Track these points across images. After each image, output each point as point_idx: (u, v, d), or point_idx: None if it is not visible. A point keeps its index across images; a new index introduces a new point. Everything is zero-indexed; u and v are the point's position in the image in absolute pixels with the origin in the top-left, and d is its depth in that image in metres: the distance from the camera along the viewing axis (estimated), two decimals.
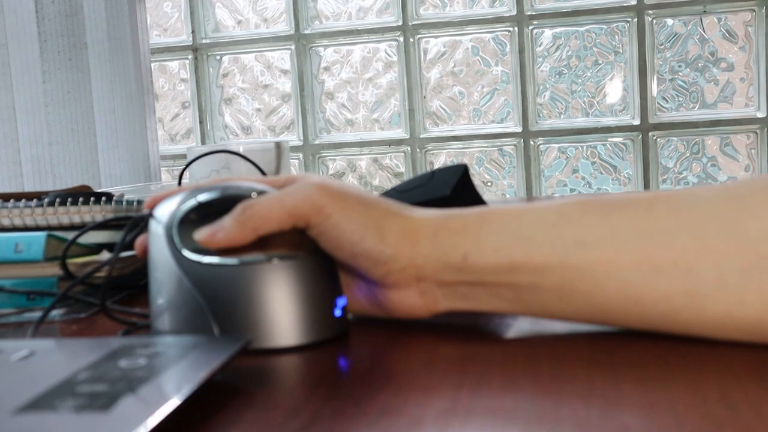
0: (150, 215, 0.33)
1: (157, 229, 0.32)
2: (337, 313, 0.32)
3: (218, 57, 1.32)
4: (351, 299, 0.34)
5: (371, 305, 0.33)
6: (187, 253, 0.31)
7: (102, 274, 0.43)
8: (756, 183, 0.27)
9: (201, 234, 0.31)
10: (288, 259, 0.31)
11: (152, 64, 1.27)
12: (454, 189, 0.37)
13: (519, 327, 0.33)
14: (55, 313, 0.40)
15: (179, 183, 0.51)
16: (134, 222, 0.33)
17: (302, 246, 0.32)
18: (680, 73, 1.20)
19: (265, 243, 0.31)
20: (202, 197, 0.32)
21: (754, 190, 0.27)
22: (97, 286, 0.42)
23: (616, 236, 0.28)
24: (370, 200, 0.31)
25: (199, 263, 0.31)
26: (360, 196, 0.31)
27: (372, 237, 0.30)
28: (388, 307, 0.32)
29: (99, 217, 0.45)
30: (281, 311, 0.30)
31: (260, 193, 0.33)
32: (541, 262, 0.29)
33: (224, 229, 0.30)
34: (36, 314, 0.40)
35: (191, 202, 0.32)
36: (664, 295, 0.28)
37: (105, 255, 0.45)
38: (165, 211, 0.33)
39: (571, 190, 1.25)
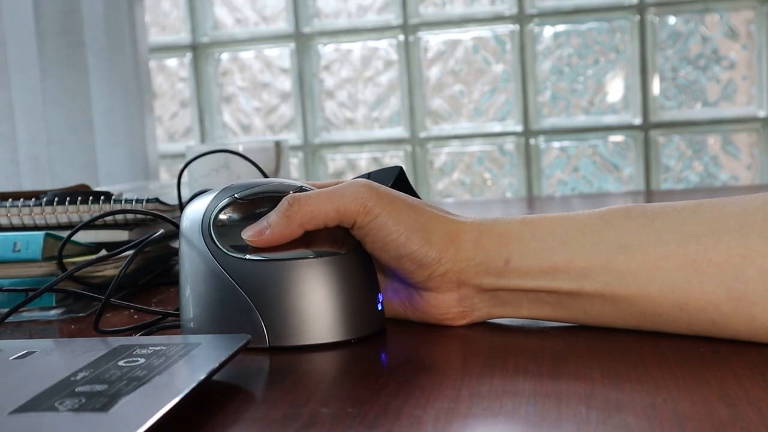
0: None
1: (192, 227, 0.32)
2: (379, 307, 0.32)
3: (217, 55, 1.31)
4: (385, 301, 0.33)
5: (406, 308, 0.33)
6: (229, 251, 0.31)
7: (101, 273, 0.42)
8: None
9: (248, 232, 0.30)
10: (333, 256, 0.31)
11: (151, 63, 1.27)
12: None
13: (520, 327, 0.32)
14: (54, 312, 0.40)
15: (179, 182, 0.51)
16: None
17: (342, 241, 0.32)
18: (682, 72, 1.20)
19: (304, 237, 0.31)
20: (239, 194, 0.32)
21: None
22: (97, 286, 0.42)
23: (660, 240, 0.28)
24: (417, 203, 0.32)
25: (242, 260, 0.30)
26: (407, 199, 0.31)
27: (418, 239, 0.30)
28: (424, 311, 0.32)
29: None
30: (328, 308, 0.30)
31: (298, 189, 0.32)
32: (583, 265, 0.29)
33: (271, 226, 0.30)
34: (35, 314, 0.40)
35: (226, 200, 0.32)
36: (710, 301, 0.27)
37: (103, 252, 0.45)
38: (198, 209, 0.32)
39: (572, 189, 1.24)
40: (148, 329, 0.35)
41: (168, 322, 0.36)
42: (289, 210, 0.30)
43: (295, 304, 0.30)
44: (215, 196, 0.32)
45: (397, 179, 0.36)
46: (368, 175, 0.37)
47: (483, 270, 0.30)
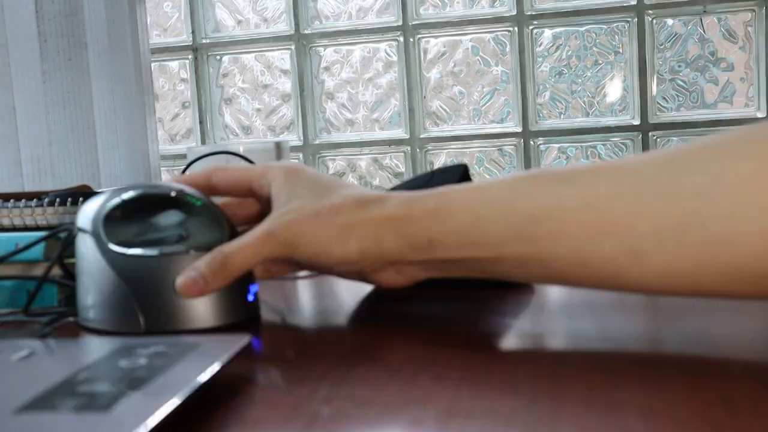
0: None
1: (84, 226, 0.36)
2: (250, 298, 0.36)
3: (218, 57, 1.32)
4: (342, 277, 0.37)
5: (361, 280, 0.37)
6: (113, 246, 0.34)
7: None
8: (690, 144, 0.29)
9: (180, 283, 0.33)
10: (204, 250, 0.34)
11: (152, 64, 1.27)
12: None
13: (520, 328, 0.33)
14: (55, 312, 0.40)
15: None
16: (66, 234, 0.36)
17: (222, 236, 0.36)
18: (680, 73, 1.20)
19: (188, 233, 0.35)
20: (126, 195, 0.36)
21: (687, 150, 0.29)
22: None
23: (563, 208, 0.30)
24: (328, 212, 0.34)
25: (124, 255, 0.34)
26: (319, 213, 0.34)
27: (338, 251, 0.33)
28: (374, 283, 0.36)
29: None
30: (198, 297, 0.34)
31: (178, 191, 0.36)
32: (498, 238, 0.31)
33: (203, 279, 0.33)
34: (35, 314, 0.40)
35: (116, 200, 0.36)
36: (609, 257, 0.29)
37: None
38: (91, 209, 0.36)
39: None
40: (48, 322, 0.37)
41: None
42: (218, 267, 0.33)
43: (168, 294, 0.34)
44: (106, 197, 0.36)
45: (461, 177, 0.38)
46: (432, 174, 0.39)
47: (409, 251, 0.33)
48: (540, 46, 1.23)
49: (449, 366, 0.28)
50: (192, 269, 0.34)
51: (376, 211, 0.33)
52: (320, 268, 0.35)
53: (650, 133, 1.22)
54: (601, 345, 0.29)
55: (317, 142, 1.31)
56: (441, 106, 1.27)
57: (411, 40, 1.26)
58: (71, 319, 0.40)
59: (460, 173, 0.38)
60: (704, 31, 1.19)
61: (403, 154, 1.29)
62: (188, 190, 0.37)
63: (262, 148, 0.64)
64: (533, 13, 1.22)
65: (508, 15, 1.23)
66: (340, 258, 0.33)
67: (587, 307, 0.35)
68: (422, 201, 0.33)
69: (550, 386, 0.25)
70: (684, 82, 1.20)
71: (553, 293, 0.39)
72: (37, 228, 0.45)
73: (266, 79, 1.31)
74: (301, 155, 1.31)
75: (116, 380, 0.24)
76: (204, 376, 0.24)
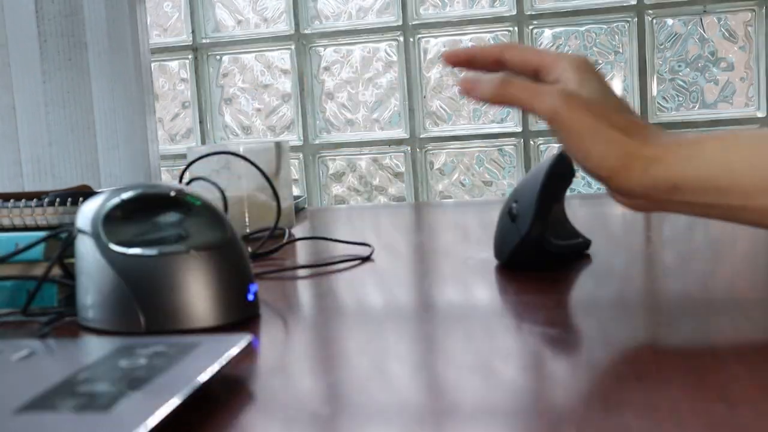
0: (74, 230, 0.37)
1: (84, 226, 0.36)
2: (250, 297, 0.36)
3: (218, 57, 1.32)
4: None
5: None
6: (113, 246, 0.35)
7: None
8: None
9: (461, 79, 0.35)
10: (203, 250, 0.34)
11: (152, 64, 1.27)
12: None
13: (520, 327, 0.33)
14: (55, 312, 0.40)
15: (180, 183, 0.51)
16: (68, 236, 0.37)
17: (221, 236, 0.36)
18: (680, 73, 1.20)
19: (187, 232, 0.35)
20: (125, 195, 0.36)
21: None
22: None
23: None
24: (604, 120, 0.35)
25: (123, 255, 0.34)
26: (597, 115, 0.35)
27: (594, 158, 0.34)
28: (613, 197, 0.37)
29: None
30: (197, 297, 0.34)
31: (177, 191, 0.37)
32: (746, 189, 0.33)
33: (482, 91, 0.35)
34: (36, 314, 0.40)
35: (115, 200, 0.36)
36: None
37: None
38: (90, 209, 0.36)
39: (572, 190, 1.25)
40: (49, 320, 0.37)
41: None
42: (500, 88, 0.35)
43: (168, 293, 0.34)
44: (105, 197, 0.37)
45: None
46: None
47: (652, 191, 0.34)
48: (540, 46, 1.23)
49: (448, 366, 0.28)
50: (478, 76, 0.35)
51: (635, 142, 0.34)
52: (573, 158, 0.36)
53: None
54: (601, 345, 0.29)
55: (317, 141, 1.31)
56: (441, 106, 1.27)
57: (411, 40, 1.26)
58: (71, 318, 0.40)
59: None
60: (704, 31, 1.19)
61: (403, 153, 1.29)
62: (187, 190, 0.37)
63: (262, 148, 0.64)
64: (533, 13, 1.22)
65: (508, 15, 1.23)
66: (593, 166, 0.35)
67: (588, 307, 0.35)
68: (675, 147, 0.34)
69: (550, 386, 0.25)
70: (684, 82, 1.20)
71: (552, 293, 0.39)
72: (37, 228, 0.45)
73: (266, 79, 1.31)
74: (301, 155, 1.31)
75: (116, 380, 0.24)
76: (204, 376, 0.24)
